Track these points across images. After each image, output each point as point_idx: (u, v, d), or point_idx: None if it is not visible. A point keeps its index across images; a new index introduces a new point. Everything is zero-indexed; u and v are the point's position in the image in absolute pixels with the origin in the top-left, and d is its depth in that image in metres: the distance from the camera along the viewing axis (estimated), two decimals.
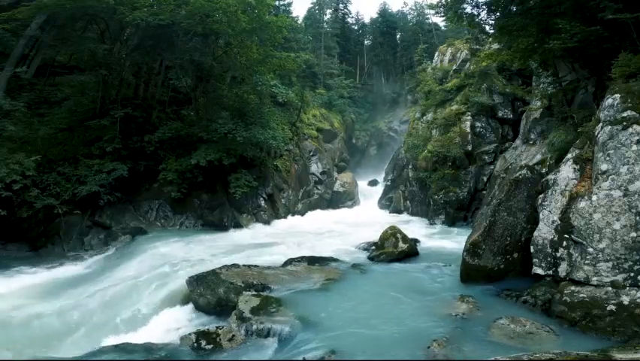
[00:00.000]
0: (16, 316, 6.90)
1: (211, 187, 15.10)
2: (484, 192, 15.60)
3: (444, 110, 18.80)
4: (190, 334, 5.67)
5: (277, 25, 16.17)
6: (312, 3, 43.22)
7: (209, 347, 5.37)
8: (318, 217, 19.30)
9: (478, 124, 17.22)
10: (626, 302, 5.22)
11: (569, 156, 6.91)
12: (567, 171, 6.65)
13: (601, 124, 6.35)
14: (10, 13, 12.42)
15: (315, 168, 23.26)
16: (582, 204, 6.04)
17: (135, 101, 15.47)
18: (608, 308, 5.27)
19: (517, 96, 16.61)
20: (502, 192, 7.86)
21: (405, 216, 18.73)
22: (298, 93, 22.13)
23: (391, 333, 5.43)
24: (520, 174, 7.79)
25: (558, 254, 6.15)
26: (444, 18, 14.47)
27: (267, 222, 16.37)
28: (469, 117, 17.25)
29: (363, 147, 35.11)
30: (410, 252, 10.01)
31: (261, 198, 16.77)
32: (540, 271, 6.38)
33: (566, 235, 6.10)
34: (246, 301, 6.41)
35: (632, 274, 5.39)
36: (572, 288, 5.76)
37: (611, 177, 5.86)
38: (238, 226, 14.91)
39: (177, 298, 7.45)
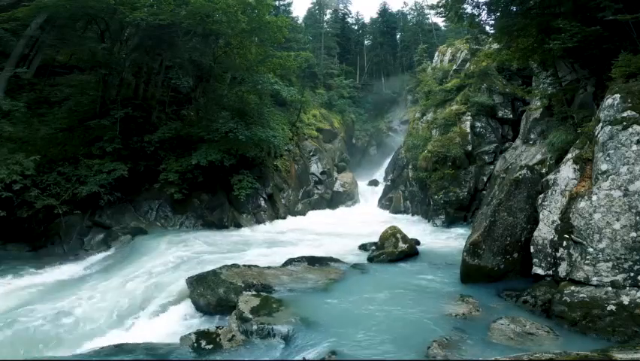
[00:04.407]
0: (16, 316, 6.89)
1: (211, 187, 15.10)
2: (484, 192, 15.59)
3: (444, 110, 18.80)
4: (190, 334, 5.66)
5: (277, 25, 16.19)
6: (312, 3, 43.30)
7: (209, 347, 5.37)
8: (318, 217, 19.32)
9: (478, 124, 17.21)
10: (626, 302, 5.22)
11: (569, 156, 6.92)
12: (567, 171, 6.66)
13: (601, 124, 6.35)
14: (10, 13, 12.42)
15: (315, 168, 23.26)
16: (582, 204, 6.04)
17: (135, 101, 15.48)
18: (608, 308, 5.27)
19: (517, 96, 16.60)
20: (502, 192, 7.86)
21: (405, 216, 18.74)
22: (298, 93, 22.14)
23: (391, 333, 5.42)
24: (520, 174, 7.79)
25: (558, 254, 6.15)
26: (444, 18, 14.47)
27: (267, 223, 16.39)
28: (469, 117, 17.25)
29: (363, 147, 35.12)
30: (410, 252, 10.01)
31: (261, 199, 16.77)
32: (540, 271, 6.39)
33: (566, 235, 6.10)
34: (246, 302, 6.40)
35: (632, 274, 5.39)
36: (572, 288, 5.77)
37: (611, 177, 5.86)
38: (238, 226, 14.92)
39: (177, 298, 7.45)
